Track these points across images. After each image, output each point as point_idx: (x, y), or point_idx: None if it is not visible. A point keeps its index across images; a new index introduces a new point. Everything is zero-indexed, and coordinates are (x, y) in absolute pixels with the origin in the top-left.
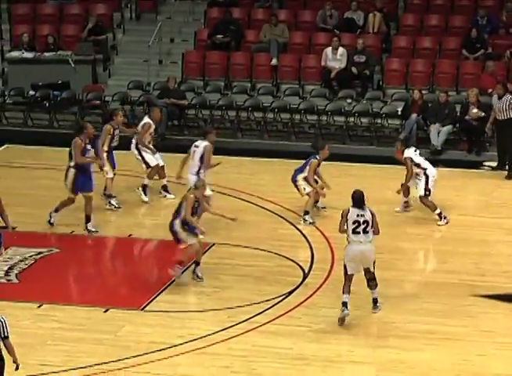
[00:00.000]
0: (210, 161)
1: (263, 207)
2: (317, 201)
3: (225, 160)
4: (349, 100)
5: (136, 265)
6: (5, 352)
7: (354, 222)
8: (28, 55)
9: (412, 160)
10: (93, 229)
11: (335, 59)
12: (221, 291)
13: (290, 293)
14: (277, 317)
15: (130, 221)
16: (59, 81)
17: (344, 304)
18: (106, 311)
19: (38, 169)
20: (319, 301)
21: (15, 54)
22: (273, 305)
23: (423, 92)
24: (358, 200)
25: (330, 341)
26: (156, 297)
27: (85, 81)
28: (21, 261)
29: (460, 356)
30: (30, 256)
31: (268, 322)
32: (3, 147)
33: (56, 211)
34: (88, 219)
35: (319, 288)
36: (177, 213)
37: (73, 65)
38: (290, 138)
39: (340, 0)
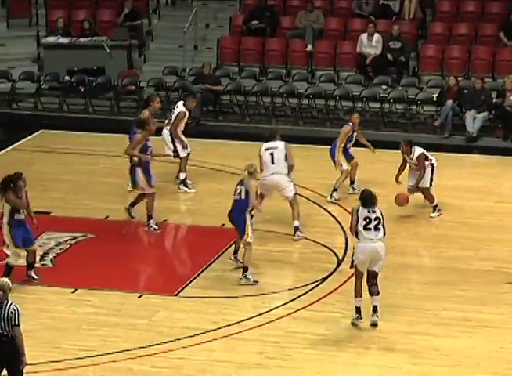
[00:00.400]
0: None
1: (298, 194)
2: (353, 182)
3: (256, 146)
4: (384, 87)
5: (171, 251)
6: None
7: (365, 219)
8: (64, 40)
9: (425, 157)
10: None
11: (370, 45)
12: (257, 276)
13: (324, 279)
14: (311, 303)
15: (164, 206)
16: (95, 67)
17: (358, 310)
18: (140, 296)
19: (74, 154)
20: (352, 287)
21: (51, 39)
22: (307, 292)
23: (459, 78)
24: (368, 198)
25: (364, 328)
26: (190, 282)
27: (120, 66)
28: (56, 246)
29: (497, 343)
30: (65, 241)
31: (302, 308)
32: (39, 132)
33: (150, 217)
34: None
35: (352, 275)
36: (244, 204)
37: (108, 50)
38: (325, 124)
39: None
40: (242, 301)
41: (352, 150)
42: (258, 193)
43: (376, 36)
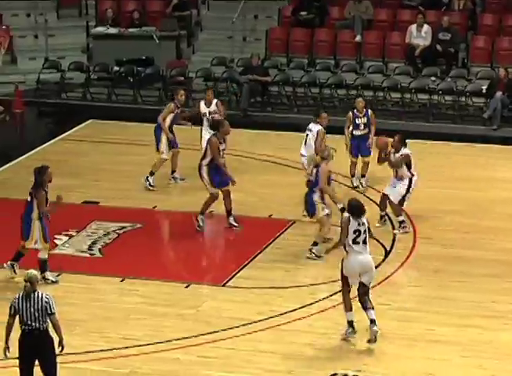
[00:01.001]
0: (321, 146)
1: (345, 185)
2: (363, 176)
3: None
4: (433, 78)
5: (218, 241)
6: (52, 330)
7: (355, 232)
8: (113, 30)
9: (408, 162)
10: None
11: (420, 36)
12: (303, 268)
13: None
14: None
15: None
16: (144, 57)
17: (351, 323)
18: (187, 286)
19: (122, 144)
20: (401, 279)
21: (100, 30)
22: None
23: (509, 70)
24: (358, 208)
25: (412, 320)
26: (237, 273)
27: (169, 57)
28: (104, 235)
29: None
30: (114, 231)
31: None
32: (88, 123)
33: (202, 213)
34: (229, 213)
35: (400, 266)
36: (315, 185)
37: (157, 41)
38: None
39: None
40: (288, 292)
41: (370, 142)
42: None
43: (426, 27)
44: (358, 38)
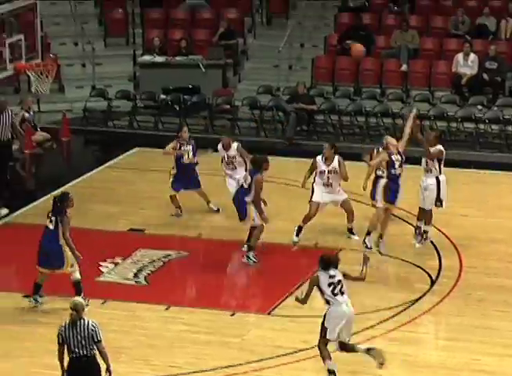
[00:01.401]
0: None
1: (392, 214)
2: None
3: (354, 166)
4: (480, 107)
5: (264, 270)
6: (99, 357)
7: (329, 285)
8: (159, 59)
9: (440, 158)
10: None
11: (466, 65)
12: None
13: (417, 300)
14: (403, 324)
15: None
16: (190, 86)
17: (332, 372)
18: (232, 314)
19: (168, 173)
20: (446, 308)
21: (147, 58)
22: (400, 312)
23: None
24: (329, 262)
25: (457, 350)
26: (282, 301)
27: (215, 85)
28: (150, 263)
29: None
30: (159, 259)
31: (394, 328)
32: (134, 150)
33: (252, 248)
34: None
35: (446, 296)
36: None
37: (203, 69)
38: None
39: (472, 6)
40: None
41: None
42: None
43: (472, 56)
44: (404, 67)
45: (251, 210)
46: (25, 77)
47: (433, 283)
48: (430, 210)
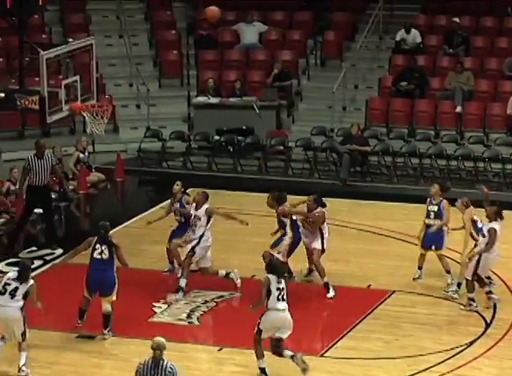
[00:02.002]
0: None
1: (445, 256)
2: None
3: (407, 208)
4: None
5: (316, 311)
6: None
7: (277, 289)
8: (214, 100)
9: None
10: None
11: None
12: (402, 338)
13: (472, 343)
14: (458, 367)
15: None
16: (244, 127)
17: (263, 370)
18: None
19: None
20: (501, 352)
21: (201, 99)
22: (454, 355)
23: None
24: (275, 267)
25: None
26: (335, 343)
27: (269, 126)
28: (203, 303)
29: None
30: (212, 299)
31: (448, 372)
32: (188, 191)
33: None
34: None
35: (501, 339)
36: None
37: (257, 111)
38: (474, 186)
39: None
40: (387, 363)
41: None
42: None
43: None
44: (458, 109)
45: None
46: (80, 118)
47: (487, 326)
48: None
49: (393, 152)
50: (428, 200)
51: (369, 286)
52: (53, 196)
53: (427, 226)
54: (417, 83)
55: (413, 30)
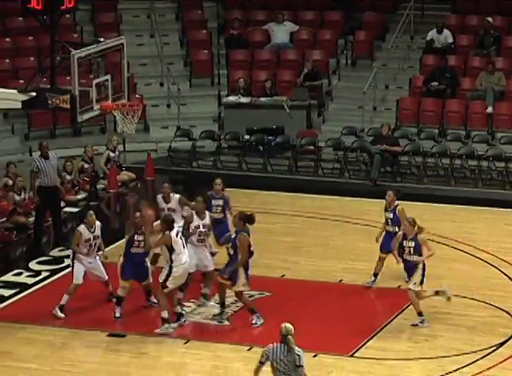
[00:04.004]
0: None
1: (475, 256)
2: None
3: (437, 208)
4: None
5: (347, 311)
6: None
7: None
8: (244, 100)
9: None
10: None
11: None
12: (432, 339)
13: (502, 344)
14: (488, 368)
15: (339, 267)
16: (274, 126)
17: (181, 315)
18: (315, 356)
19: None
20: None
21: (231, 99)
22: (484, 356)
23: None
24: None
25: None
26: (365, 343)
27: (299, 126)
28: (233, 303)
29: None
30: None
31: (478, 373)
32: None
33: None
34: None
35: None
36: None
37: (288, 110)
38: (505, 187)
39: None
40: (416, 363)
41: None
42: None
43: None
44: (489, 109)
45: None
46: (111, 118)
47: None
48: None
49: (423, 152)
50: (385, 207)
51: (398, 286)
52: (84, 195)
53: (386, 232)
54: (448, 83)
55: (445, 30)
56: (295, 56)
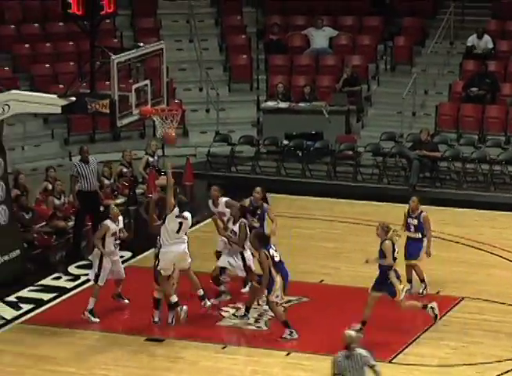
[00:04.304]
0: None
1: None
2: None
3: (477, 214)
4: None
5: (385, 317)
6: None
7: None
8: (283, 105)
9: None
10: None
11: None
12: (470, 345)
13: None
14: None
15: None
16: (313, 131)
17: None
18: None
19: (291, 218)
20: None
21: (270, 104)
22: None
23: None
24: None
25: None
26: (404, 349)
27: (338, 131)
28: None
29: None
30: (280, 304)
31: None
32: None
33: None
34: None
35: None
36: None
37: (327, 115)
38: None
39: None
40: (456, 370)
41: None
42: None
43: None
44: None
45: None
46: (150, 122)
47: None
48: None
49: (463, 158)
50: (407, 213)
51: (437, 292)
52: (123, 199)
53: (408, 238)
54: (488, 89)
55: (485, 36)
56: (334, 62)
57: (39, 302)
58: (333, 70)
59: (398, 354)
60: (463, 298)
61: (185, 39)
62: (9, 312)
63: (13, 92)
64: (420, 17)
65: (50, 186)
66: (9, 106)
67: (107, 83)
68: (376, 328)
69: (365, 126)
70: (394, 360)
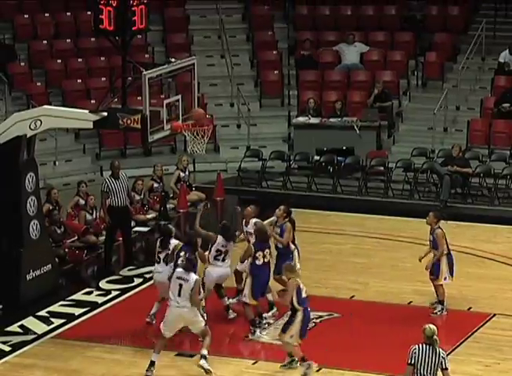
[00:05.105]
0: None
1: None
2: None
3: (510, 230)
4: None
5: (416, 333)
6: None
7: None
8: (314, 120)
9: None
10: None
11: None
12: (502, 362)
13: None
14: None
15: (409, 288)
16: (344, 147)
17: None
18: None
19: (321, 233)
20: None
21: (301, 119)
22: None
23: None
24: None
25: None
26: None
27: (369, 147)
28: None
29: None
30: (311, 319)
31: None
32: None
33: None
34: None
35: None
36: None
37: (358, 131)
38: None
39: None
40: None
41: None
42: None
43: None
44: None
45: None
46: (181, 137)
47: None
48: None
49: (494, 174)
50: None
51: (469, 309)
52: (154, 214)
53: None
54: None
55: None
56: (365, 77)
57: (70, 317)
58: (364, 86)
59: None
60: (494, 315)
61: (217, 55)
62: (41, 327)
63: (45, 107)
64: (451, 33)
65: (81, 201)
66: (41, 122)
67: (139, 98)
68: (406, 344)
69: (397, 142)
70: None
